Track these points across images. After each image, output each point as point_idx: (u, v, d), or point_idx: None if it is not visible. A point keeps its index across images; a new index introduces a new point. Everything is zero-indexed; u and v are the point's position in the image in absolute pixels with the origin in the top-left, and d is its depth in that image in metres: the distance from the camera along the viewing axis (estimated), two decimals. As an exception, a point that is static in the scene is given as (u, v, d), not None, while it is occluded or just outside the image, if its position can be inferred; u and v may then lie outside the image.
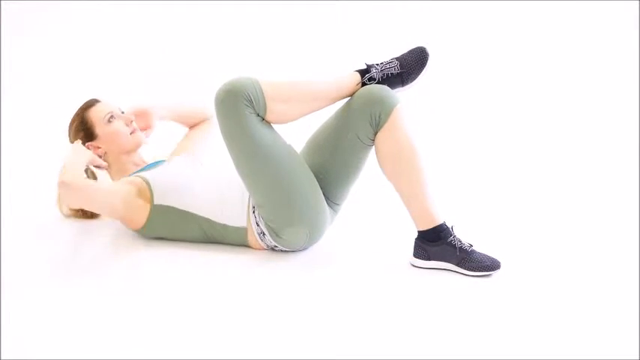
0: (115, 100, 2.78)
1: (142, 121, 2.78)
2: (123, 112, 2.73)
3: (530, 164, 3.51)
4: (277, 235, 2.48)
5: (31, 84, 4.18)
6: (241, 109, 2.33)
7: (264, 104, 2.35)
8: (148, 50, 4.36)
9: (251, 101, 2.33)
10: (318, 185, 2.48)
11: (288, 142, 2.46)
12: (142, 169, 2.71)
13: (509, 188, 3.23)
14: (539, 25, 4.46)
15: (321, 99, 2.44)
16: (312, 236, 2.50)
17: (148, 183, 2.58)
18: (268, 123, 2.40)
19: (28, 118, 3.92)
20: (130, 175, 2.67)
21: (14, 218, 2.85)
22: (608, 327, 2.08)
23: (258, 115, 2.36)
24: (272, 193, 2.41)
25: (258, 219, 2.49)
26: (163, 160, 2.79)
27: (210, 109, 3.00)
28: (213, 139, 2.92)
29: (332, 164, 2.50)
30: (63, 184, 2.41)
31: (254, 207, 2.49)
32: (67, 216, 2.87)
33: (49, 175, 2.82)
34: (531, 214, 2.96)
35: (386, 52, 2.58)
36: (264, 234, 2.50)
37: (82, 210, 2.84)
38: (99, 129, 2.69)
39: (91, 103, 2.72)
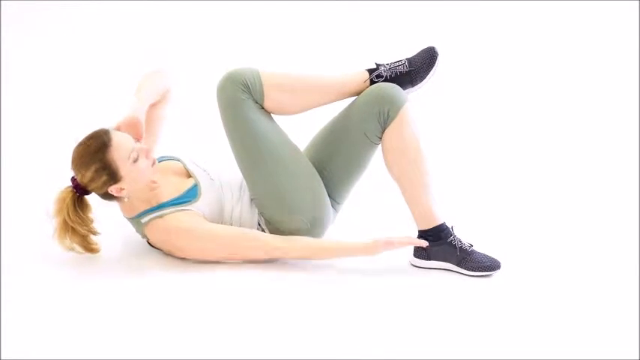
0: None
1: (132, 131, 2.39)
2: (138, 142, 2.37)
3: (530, 164, 3.51)
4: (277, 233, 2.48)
5: (31, 84, 4.17)
6: (237, 94, 2.36)
7: (261, 90, 2.37)
8: (159, 52, 4.34)
9: (247, 86, 2.36)
10: (321, 181, 2.48)
11: (291, 139, 2.46)
12: (183, 201, 2.44)
13: (509, 188, 3.23)
14: (548, 27, 4.46)
15: (324, 93, 2.44)
16: (312, 235, 2.49)
17: (204, 217, 2.45)
18: (268, 113, 2.43)
19: (28, 119, 3.91)
20: (185, 209, 2.43)
21: (14, 218, 2.84)
22: (608, 327, 2.08)
23: (257, 103, 2.38)
24: (267, 184, 2.41)
25: (259, 218, 2.49)
26: (195, 186, 2.48)
27: (168, 72, 2.64)
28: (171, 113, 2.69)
29: (336, 161, 2.50)
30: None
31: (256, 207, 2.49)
32: (68, 249, 2.43)
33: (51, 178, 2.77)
34: (531, 214, 2.96)
35: (398, 54, 2.57)
36: (264, 232, 2.50)
37: (84, 244, 2.44)
38: (124, 170, 2.32)
39: (105, 142, 2.30)
